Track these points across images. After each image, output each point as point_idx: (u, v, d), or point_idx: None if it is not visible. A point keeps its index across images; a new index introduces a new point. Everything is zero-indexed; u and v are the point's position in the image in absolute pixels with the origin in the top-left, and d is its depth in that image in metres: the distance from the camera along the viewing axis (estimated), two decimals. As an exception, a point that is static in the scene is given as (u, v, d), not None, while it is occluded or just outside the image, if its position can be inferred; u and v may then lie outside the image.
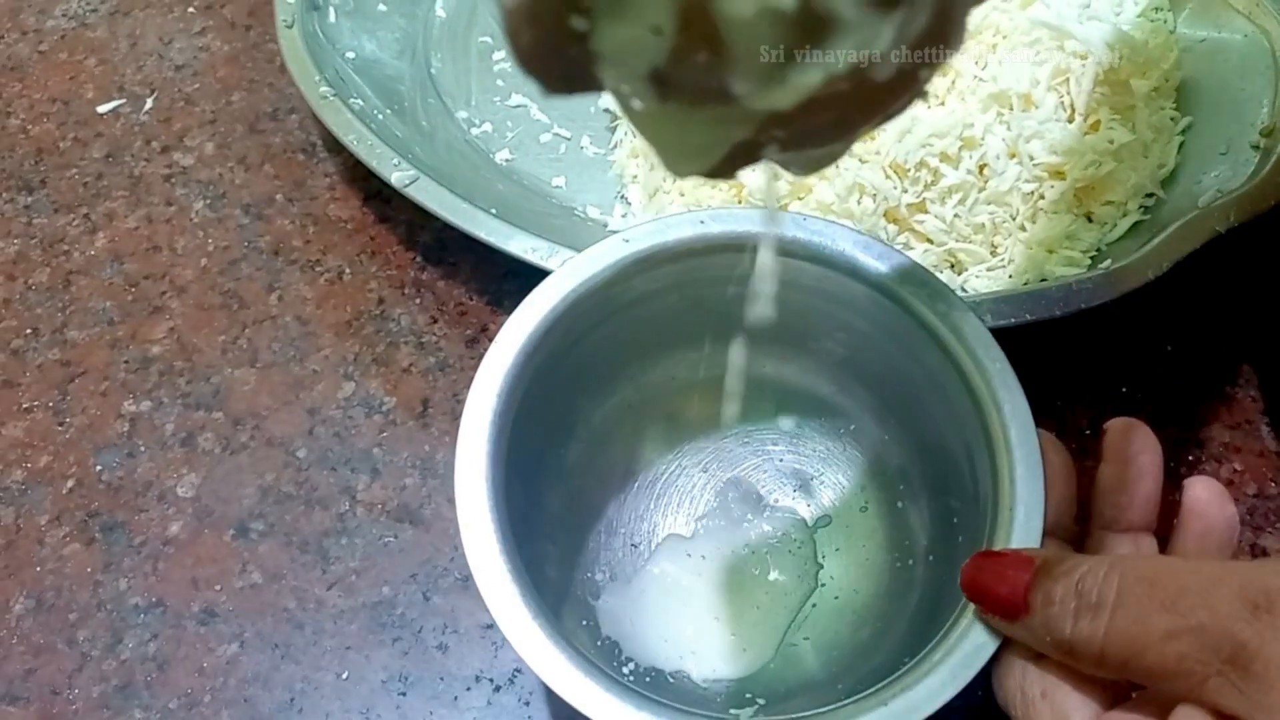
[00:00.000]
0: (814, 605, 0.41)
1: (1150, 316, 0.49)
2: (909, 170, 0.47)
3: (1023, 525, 0.32)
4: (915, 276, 0.37)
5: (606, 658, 0.39)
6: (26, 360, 0.51)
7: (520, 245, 0.47)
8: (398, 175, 0.49)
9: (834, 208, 0.47)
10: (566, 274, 0.38)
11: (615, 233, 0.47)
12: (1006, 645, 0.31)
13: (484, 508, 0.33)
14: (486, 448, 0.35)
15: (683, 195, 0.51)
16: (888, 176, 0.47)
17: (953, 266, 0.48)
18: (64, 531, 0.47)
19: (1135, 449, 0.34)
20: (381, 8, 0.60)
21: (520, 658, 0.31)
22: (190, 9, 0.65)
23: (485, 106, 0.59)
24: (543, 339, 0.37)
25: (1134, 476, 0.33)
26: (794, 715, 0.30)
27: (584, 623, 0.40)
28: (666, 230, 0.39)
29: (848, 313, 0.39)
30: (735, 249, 0.39)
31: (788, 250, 0.38)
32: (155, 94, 0.61)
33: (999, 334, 0.36)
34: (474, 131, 0.58)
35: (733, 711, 0.31)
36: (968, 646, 0.31)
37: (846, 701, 0.30)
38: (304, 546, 0.45)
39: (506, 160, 0.56)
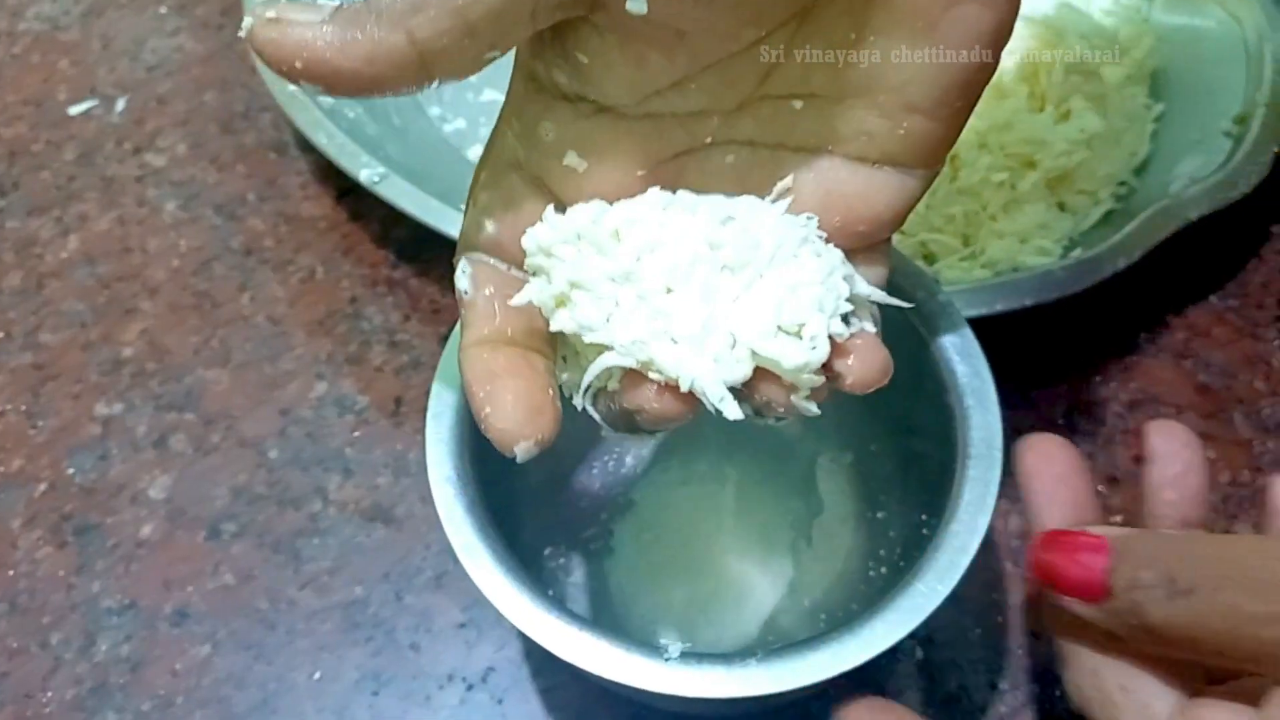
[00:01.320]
0: (785, 607, 0.41)
1: (1124, 304, 0.49)
2: (880, 162, 0.47)
3: (970, 506, 0.32)
4: (898, 264, 0.37)
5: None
6: (-1, 363, 0.51)
7: (490, 242, 0.46)
8: (366, 173, 0.49)
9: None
10: None
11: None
12: (1073, 647, 0.31)
13: (453, 486, 0.33)
14: (454, 426, 0.34)
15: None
16: (859, 168, 0.47)
17: (925, 258, 0.48)
18: (37, 534, 0.46)
19: (1177, 446, 0.33)
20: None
21: (503, 615, 0.31)
22: (163, 9, 0.65)
23: (458, 102, 0.59)
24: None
25: (1181, 472, 0.33)
26: (714, 650, 0.31)
27: (549, 593, 0.40)
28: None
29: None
30: None
31: None
32: (128, 95, 0.61)
33: (971, 324, 0.36)
34: (447, 128, 0.58)
35: (663, 641, 0.31)
36: (902, 606, 0.31)
37: (776, 645, 0.30)
38: (276, 547, 0.45)
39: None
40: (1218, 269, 0.50)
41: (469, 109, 0.59)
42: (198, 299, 0.53)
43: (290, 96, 0.52)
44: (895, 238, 0.48)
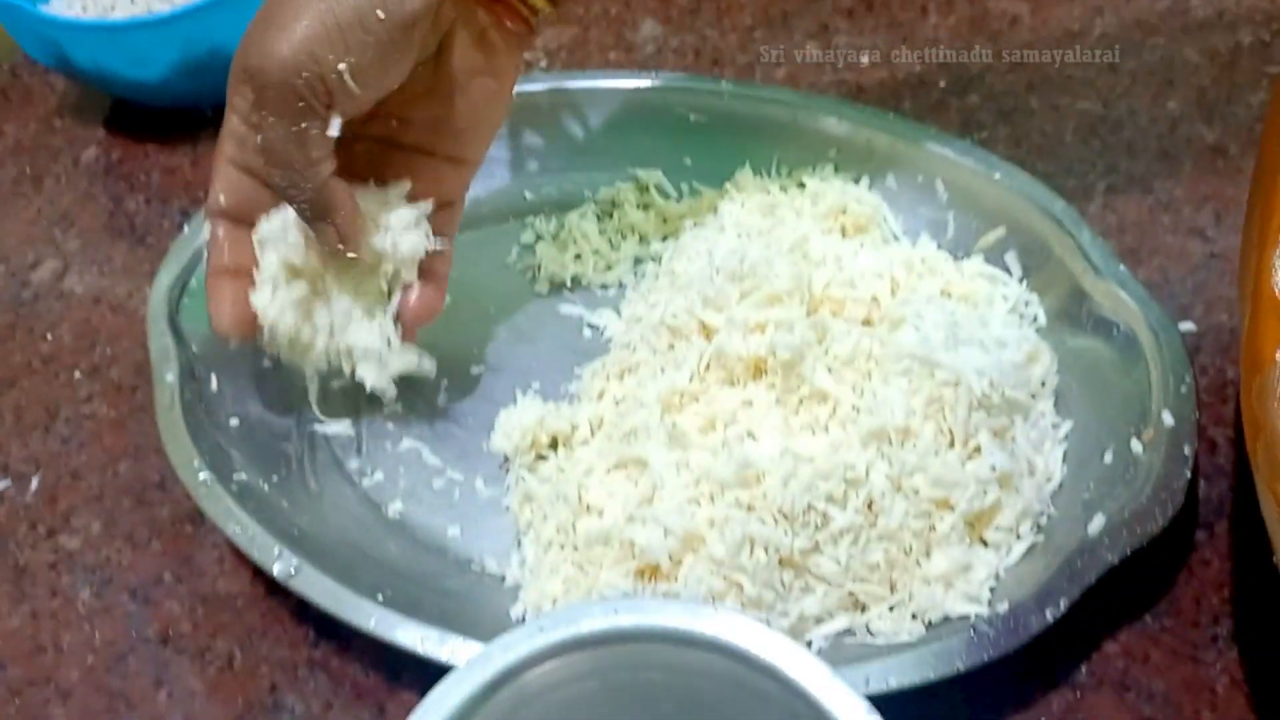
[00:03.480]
0: None
1: (1058, 633, 0.48)
2: (797, 516, 0.47)
3: None
4: (824, 682, 0.36)
5: None
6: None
7: (409, 635, 0.46)
8: (279, 567, 0.48)
9: (726, 562, 0.46)
10: (474, 667, 0.37)
11: (519, 621, 0.47)
12: None
13: None
14: None
15: (576, 550, 0.50)
16: (776, 523, 0.47)
17: (856, 607, 0.47)
18: None
19: None
20: (266, 364, 0.60)
21: None
22: (76, 373, 0.65)
23: (376, 453, 0.58)
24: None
25: None
26: None
27: None
28: (580, 619, 0.38)
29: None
30: (651, 640, 0.38)
31: (697, 643, 0.37)
32: (41, 471, 0.60)
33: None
34: (365, 483, 0.57)
35: None
36: None
37: None
38: None
39: (399, 512, 0.55)
40: (1148, 587, 0.50)
41: (387, 459, 0.58)
42: (111, 701, 0.50)
43: (200, 485, 0.51)
44: (820, 589, 0.47)
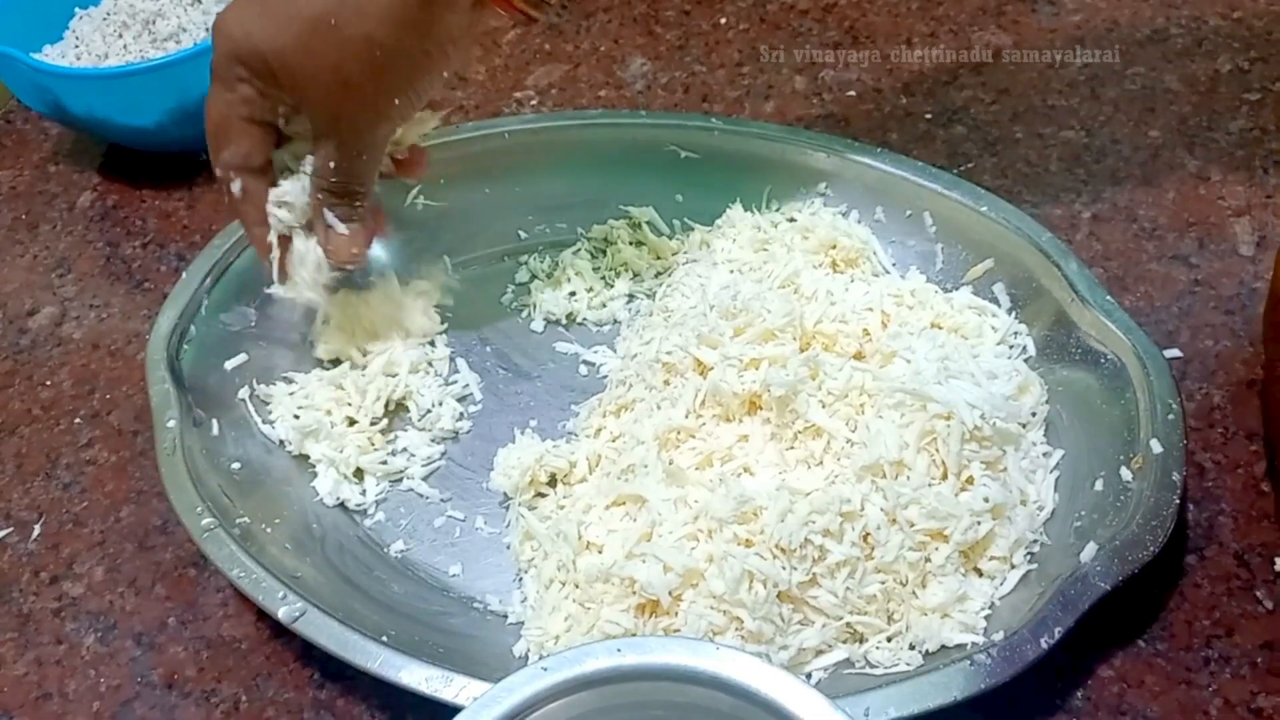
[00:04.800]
0: None
1: (1053, 658, 0.48)
2: (795, 550, 0.47)
3: None
4: (824, 715, 0.36)
5: None
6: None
7: (415, 676, 0.46)
8: (285, 610, 0.48)
9: (725, 598, 0.47)
10: (480, 709, 0.37)
11: (523, 658, 0.48)
12: None
13: None
14: None
15: (577, 587, 0.51)
16: (774, 558, 0.47)
17: (854, 638, 0.48)
18: None
19: None
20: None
21: None
22: (77, 419, 0.65)
23: (376, 493, 0.59)
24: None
25: None
26: None
27: None
28: (584, 659, 0.38)
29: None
30: (654, 678, 0.38)
31: (699, 680, 0.38)
32: (43, 518, 0.60)
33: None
34: (367, 523, 0.58)
35: None
36: None
37: None
38: None
39: (401, 552, 0.56)
40: (1141, 611, 0.50)
41: (387, 497, 0.59)
42: (119, 748, 0.51)
43: (203, 531, 0.51)
44: (819, 622, 0.48)
